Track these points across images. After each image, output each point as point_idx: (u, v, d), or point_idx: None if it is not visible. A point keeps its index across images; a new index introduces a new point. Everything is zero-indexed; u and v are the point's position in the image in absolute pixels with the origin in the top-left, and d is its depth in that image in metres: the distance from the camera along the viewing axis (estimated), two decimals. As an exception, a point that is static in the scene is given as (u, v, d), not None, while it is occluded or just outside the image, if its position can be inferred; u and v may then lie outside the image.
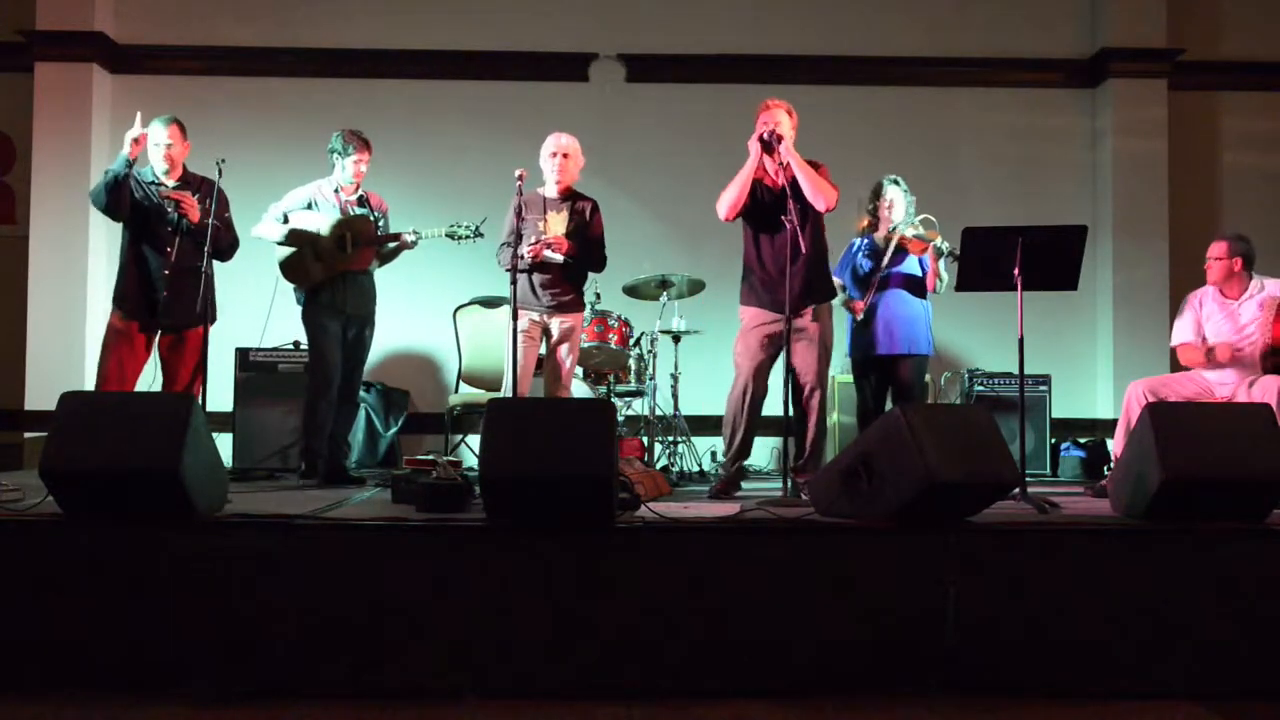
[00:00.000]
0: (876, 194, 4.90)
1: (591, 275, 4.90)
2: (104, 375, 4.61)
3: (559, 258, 4.59)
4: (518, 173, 4.51)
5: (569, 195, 4.74)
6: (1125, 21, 6.67)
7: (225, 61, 6.74)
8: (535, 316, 4.67)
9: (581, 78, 6.84)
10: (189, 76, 6.75)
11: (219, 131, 6.49)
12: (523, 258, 4.48)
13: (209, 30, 6.74)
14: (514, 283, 4.37)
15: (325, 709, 2.76)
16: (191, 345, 4.67)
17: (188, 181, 4.73)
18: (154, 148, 4.65)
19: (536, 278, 4.65)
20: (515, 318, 4.41)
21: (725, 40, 6.82)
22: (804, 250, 4.15)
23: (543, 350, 4.78)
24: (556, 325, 4.70)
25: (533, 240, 4.54)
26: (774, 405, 4.47)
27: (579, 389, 5.54)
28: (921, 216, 4.72)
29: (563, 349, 4.72)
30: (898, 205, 4.82)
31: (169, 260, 4.58)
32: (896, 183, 4.87)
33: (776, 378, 4.46)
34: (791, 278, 4.12)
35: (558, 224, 4.64)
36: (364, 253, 4.82)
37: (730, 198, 4.38)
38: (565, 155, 4.67)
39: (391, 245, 4.87)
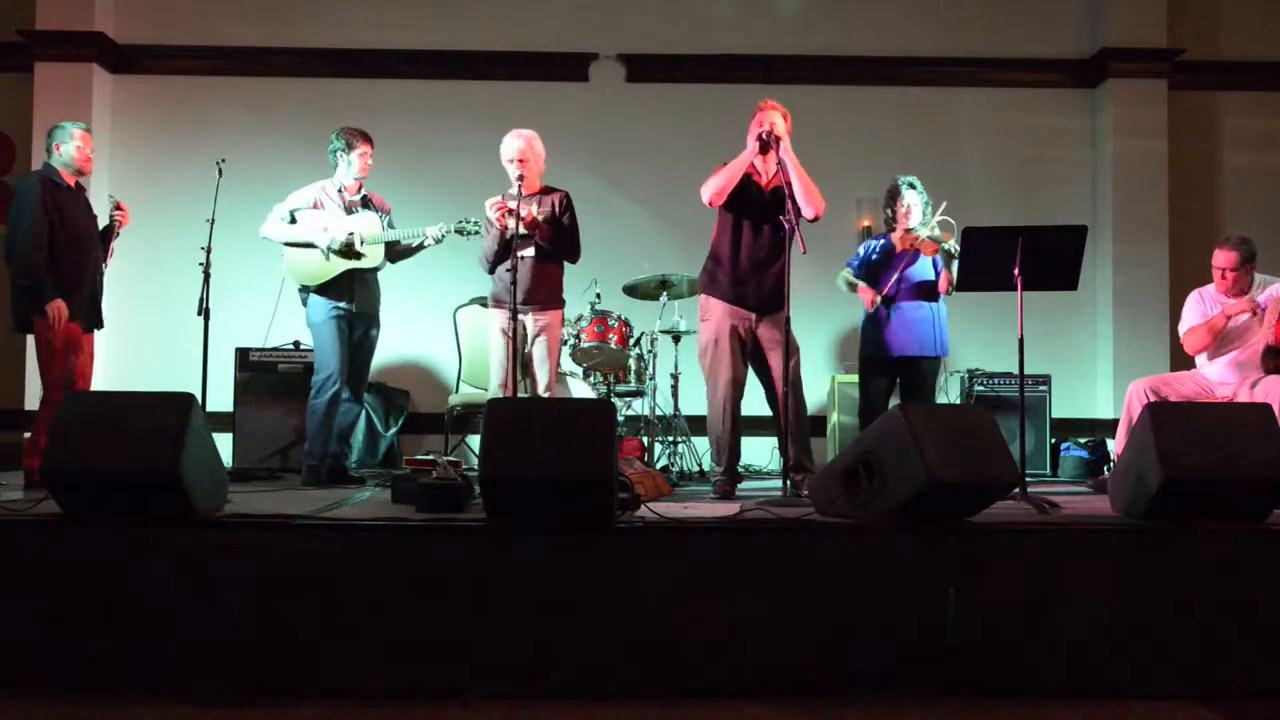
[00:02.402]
0: (893, 197, 4.87)
1: (593, 277, 4.89)
2: (63, 383, 4.48)
3: (520, 224, 4.47)
4: (518, 173, 4.51)
5: (540, 190, 4.70)
6: (1125, 21, 6.66)
7: (225, 61, 6.74)
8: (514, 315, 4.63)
9: (581, 78, 6.84)
10: (189, 76, 6.75)
11: (219, 131, 6.52)
12: (492, 224, 4.48)
13: (209, 30, 6.74)
14: (513, 283, 4.37)
15: (325, 709, 2.76)
16: (93, 345, 4.77)
17: (81, 187, 4.75)
18: (80, 151, 4.63)
19: (510, 275, 4.60)
20: (514, 316, 4.40)
21: (725, 40, 6.82)
22: (801, 251, 4.15)
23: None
24: (532, 322, 4.64)
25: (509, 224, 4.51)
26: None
27: (579, 389, 5.53)
28: (940, 219, 4.70)
29: (540, 348, 4.65)
30: (915, 209, 4.79)
31: (101, 263, 4.69)
32: (913, 185, 4.84)
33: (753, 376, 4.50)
34: (769, 276, 4.12)
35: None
36: (372, 252, 4.83)
37: (719, 184, 4.35)
38: (523, 161, 4.60)
39: (410, 244, 4.88)
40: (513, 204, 4.47)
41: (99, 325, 4.75)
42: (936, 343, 4.78)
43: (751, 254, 4.37)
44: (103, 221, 4.77)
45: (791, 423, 4.34)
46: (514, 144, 4.63)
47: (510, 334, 4.55)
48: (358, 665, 2.87)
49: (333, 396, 4.78)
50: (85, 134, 4.66)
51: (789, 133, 4.38)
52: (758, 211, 4.37)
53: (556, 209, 4.64)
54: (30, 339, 4.75)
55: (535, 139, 4.67)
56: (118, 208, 4.71)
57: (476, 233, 4.79)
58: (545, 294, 4.65)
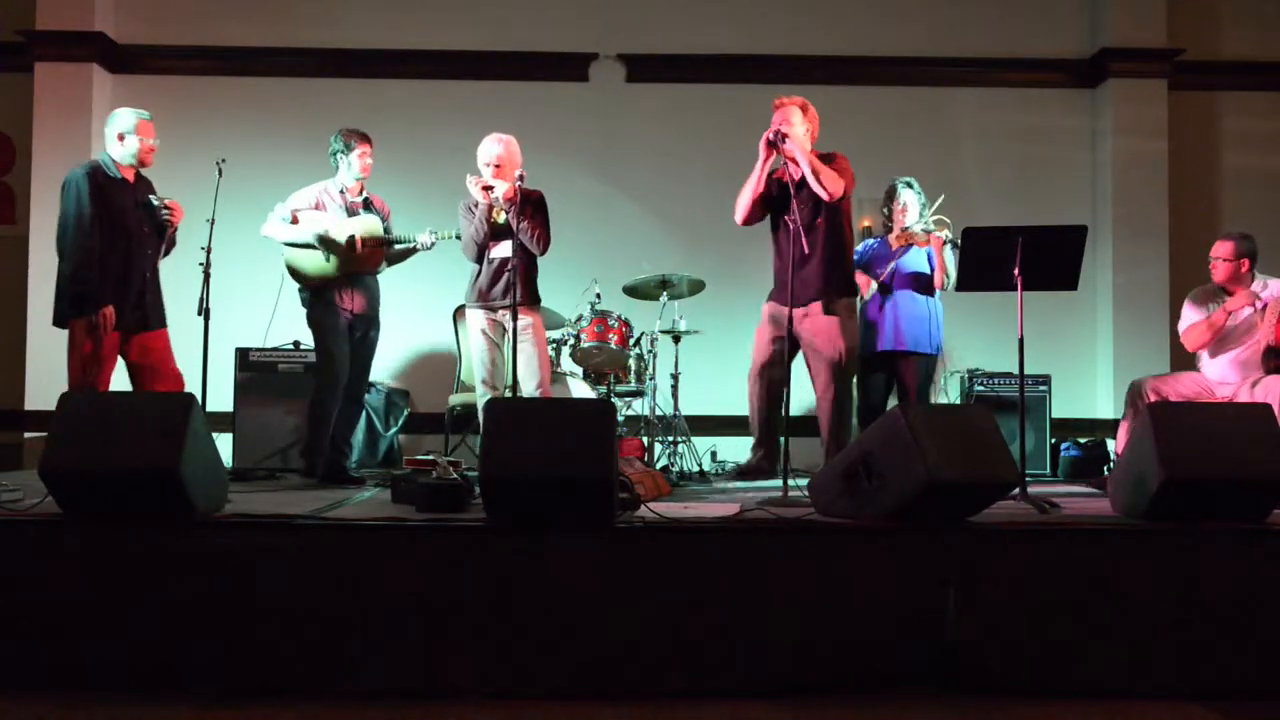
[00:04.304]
0: (890, 197, 4.90)
1: (593, 277, 4.88)
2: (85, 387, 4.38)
3: (499, 186, 4.52)
4: (518, 173, 4.51)
5: (516, 193, 4.69)
6: (1125, 21, 6.66)
7: (225, 61, 6.74)
8: (492, 315, 4.66)
9: (581, 78, 6.83)
10: (189, 76, 6.75)
11: (219, 131, 6.52)
12: (474, 208, 4.56)
13: (209, 30, 6.74)
14: (518, 283, 4.37)
15: (325, 709, 2.76)
16: (167, 341, 4.67)
17: (142, 179, 4.68)
18: (143, 142, 4.56)
19: (487, 276, 4.64)
20: (514, 316, 4.40)
21: (725, 40, 6.82)
22: (807, 248, 4.18)
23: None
24: (510, 323, 4.60)
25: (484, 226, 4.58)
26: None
27: (579, 389, 5.53)
28: (936, 217, 4.72)
29: (526, 349, 4.62)
30: (911, 208, 4.82)
31: (151, 260, 4.59)
32: (910, 185, 4.87)
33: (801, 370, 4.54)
34: (799, 274, 4.15)
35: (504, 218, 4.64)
36: (373, 255, 4.82)
37: (741, 202, 4.49)
38: (498, 166, 4.60)
39: (406, 247, 4.88)
40: (495, 187, 4.53)
41: (150, 326, 4.59)
42: (929, 340, 4.78)
43: (786, 253, 4.41)
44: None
45: (825, 425, 4.48)
46: (493, 149, 4.63)
47: (487, 336, 4.65)
48: (357, 665, 2.87)
49: (333, 396, 4.78)
50: (146, 123, 4.55)
51: (815, 120, 4.43)
52: (786, 211, 4.40)
53: (530, 206, 4.64)
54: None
55: (514, 144, 4.68)
56: (166, 206, 4.58)
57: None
58: (525, 293, 4.64)
